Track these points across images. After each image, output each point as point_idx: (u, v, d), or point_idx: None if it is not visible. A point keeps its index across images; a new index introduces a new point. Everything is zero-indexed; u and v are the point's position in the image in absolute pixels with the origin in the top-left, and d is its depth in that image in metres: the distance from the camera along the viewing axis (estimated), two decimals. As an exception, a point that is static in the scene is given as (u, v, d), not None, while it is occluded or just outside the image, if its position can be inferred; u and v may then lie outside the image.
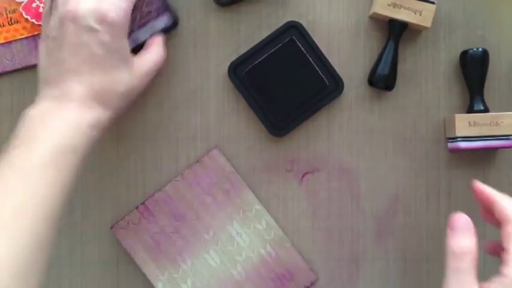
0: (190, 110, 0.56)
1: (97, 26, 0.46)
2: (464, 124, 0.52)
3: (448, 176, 0.56)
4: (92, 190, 0.56)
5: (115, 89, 0.48)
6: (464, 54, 0.54)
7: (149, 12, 0.53)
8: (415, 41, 0.56)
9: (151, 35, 0.53)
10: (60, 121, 0.45)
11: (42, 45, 0.50)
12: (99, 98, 0.47)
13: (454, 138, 0.53)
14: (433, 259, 0.55)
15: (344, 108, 0.56)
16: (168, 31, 0.54)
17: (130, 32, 0.51)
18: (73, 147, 0.45)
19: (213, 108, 0.56)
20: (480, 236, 0.55)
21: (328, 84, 0.54)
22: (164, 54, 0.52)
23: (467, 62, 0.54)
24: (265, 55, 0.53)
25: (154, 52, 0.52)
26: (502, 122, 0.52)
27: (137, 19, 0.52)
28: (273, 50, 0.53)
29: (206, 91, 0.56)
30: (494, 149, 0.55)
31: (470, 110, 0.54)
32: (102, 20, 0.46)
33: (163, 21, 0.53)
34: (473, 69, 0.54)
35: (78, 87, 0.46)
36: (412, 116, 0.56)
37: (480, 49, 0.53)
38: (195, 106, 0.56)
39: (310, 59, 0.53)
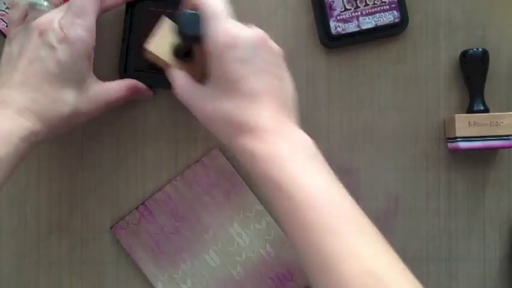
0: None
1: (57, 45, 0.46)
2: (464, 124, 0.52)
3: (448, 176, 0.56)
4: (92, 190, 0.56)
5: (58, 109, 0.47)
6: (464, 54, 0.54)
7: (382, 2, 0.52)
8: (415, 41, 0.56)
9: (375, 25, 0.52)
10: None
11: (5, 48, 0.49)
12: (39, 112, 0.46)
13: (454, 139, 0.53)
14: (433, 259, 0.55)
15: (344, 108, 0.56)
16: (392, 29, 0.53)
17: (357, 16, 0.50)
18: None
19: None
20: (480, 232, 0.56)
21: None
22: (128, 95, 0.52)
23: (467, 62, 0.54)
24: None
25: (119, 87, 0.51)
26: (502, 122, 0.52)
27: (369, 5, 0.51)
28: None
29: (206, 91, 0.56)
30: (494, 149, 0.55)
31: (470, 110, 0.54)
32: (64, 39, 0.46)
33: (392, 16, 0.52)
34: (473, 69, 0.54)
35: (19, 96, 0.46)
36: (412, 116, 0.56)
37: (480, 49, 0.53)
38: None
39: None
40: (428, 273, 0.55)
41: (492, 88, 0.55)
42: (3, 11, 0.54)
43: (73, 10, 0.47)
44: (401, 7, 0.53)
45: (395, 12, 0.53)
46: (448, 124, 0.55)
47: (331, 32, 0.54)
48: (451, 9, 0.56)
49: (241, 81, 0.43)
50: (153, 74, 0.53)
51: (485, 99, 0.54)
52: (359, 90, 0.56)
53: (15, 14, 0.50)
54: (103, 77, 0.50)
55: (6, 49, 0.49)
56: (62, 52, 0.46)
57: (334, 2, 0.53)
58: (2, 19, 0.54)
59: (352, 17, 0.53)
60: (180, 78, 0.48)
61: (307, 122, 0.56)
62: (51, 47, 0.46)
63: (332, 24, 0.53)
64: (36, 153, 0.56)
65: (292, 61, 0.56)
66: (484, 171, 0.56)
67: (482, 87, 0.54)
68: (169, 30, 0.49)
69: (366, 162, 0.56)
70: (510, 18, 0.56)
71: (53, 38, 0.46)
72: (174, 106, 0.56)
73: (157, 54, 0.49)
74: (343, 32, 0.54)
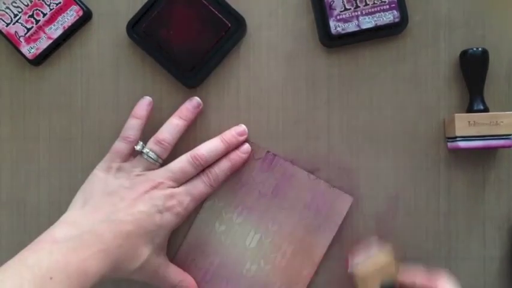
0: (190, 109, 0.56)
1: (163, 209, 0.49)
2: (464, 124, 0.52)
3: (447, 176, 0.56)
4: (92, 190, 0.56)
5: (132, 262, 0.48)
6: (464, 54, 0.54)
7: (382, 2, 0.52)
8: (415, 40, 0.56)
9: (375, 26, 0.52)
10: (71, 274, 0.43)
11: (100, 173, 0.50)
12: (117, 260, 0.46)
13: (454, 138, 0.53)
14: (433, 258, 0.55)
15: (344, 108, 0.56)
16: (392, 29, 0.53)
17: (357, 15, 0.51)
18: None
19: (213, 107, 0.56)
20: (480, 231, 0.56)
21: (230, 25, 0.54)
22: None
23: (467, 61, 0.54)
24: (160, 8, 0.53)
25: (176, 277, 0.52)
26: (502, 122, 0.52)
27: (369, 5, 0.51)
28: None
29: (206, 90, 0.56)
30: (494, 148, 0.55)
31: (470, 109, 0.54)
32: (170, 208, 0.49)
33: (392, 16, 0.52)
34: (473, 69, 0.54)
35: (112, 237, 0.46)
36: (411, 115, 0.56)
37: (480, 49, 0.53)
38: (195, 106, 0.56)
39: (205, 2, 0.53)
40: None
41: (492, 87, 0.55)
42: (2, 10, 0.54)
43: (192, 192, 0.50)
44: (401, 7, 0.53)
45: (395, 12, 0.53)
46: (448, 124, 0.55)
47: (331, 32, 0.54)
48: (451, 8, 0.56)
49: None
50: (157, 47, 0.53)
51: (485, 99, 0.54)
52: (359, 89, 0.56)
53: (125, 150, 0.51)
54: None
55: (101, 175, 0.50)
56: (165, 219, 0.49)
57: (334, 1, 0.53)
58: (1, 19, 0.54)
59: (352, 17, 0.53)
60: None
61: (307, 122, 0.56)
62: (158, 209, 0.48)
63: (332, 24, 0.53)
64: (36, 153, 0.56)
65: (292, 61, 0.56)
66: (484, 171, 0.56)
67: (482, 87, 0.54)
68: (381, 266, 0.49)
69: (366, 162, 0.56)
70: (510, 18, 0.56)
71: (161, 202, 0.48)
72: (175, 106, 0.56)
73: (363, 282, 0.49)
74: (343, 32, 0.54)
